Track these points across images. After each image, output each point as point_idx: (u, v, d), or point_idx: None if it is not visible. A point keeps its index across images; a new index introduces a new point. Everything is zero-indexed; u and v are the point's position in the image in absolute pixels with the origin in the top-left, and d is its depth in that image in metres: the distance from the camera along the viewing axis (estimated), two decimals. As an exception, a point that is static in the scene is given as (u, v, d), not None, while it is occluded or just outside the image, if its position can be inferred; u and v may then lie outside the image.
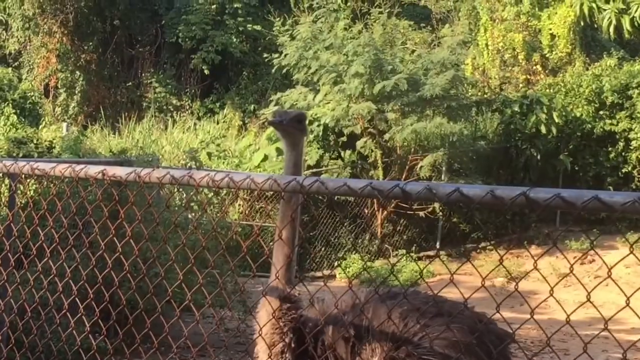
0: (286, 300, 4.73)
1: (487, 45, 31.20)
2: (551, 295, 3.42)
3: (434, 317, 4.78)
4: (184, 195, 16.86)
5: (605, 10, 18.44)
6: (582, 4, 18.34)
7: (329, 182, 3.43)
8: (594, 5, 18.39)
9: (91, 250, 5.41)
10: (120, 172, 4.20)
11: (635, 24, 18.36)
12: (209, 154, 23.65)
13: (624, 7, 18.34)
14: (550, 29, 30.66)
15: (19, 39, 35.85)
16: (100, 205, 4.85)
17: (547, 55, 30.95)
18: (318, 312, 4.85)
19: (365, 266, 20.11)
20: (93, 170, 4.30)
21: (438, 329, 4.68)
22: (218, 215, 18.26)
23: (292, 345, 4.73)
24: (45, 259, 5.36)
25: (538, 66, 31.13)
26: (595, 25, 27.99)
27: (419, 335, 4.69)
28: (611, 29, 18.52)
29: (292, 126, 5.04)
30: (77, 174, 4.32)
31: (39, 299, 5.46)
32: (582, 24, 30.32)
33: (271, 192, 20.97)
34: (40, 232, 5.16)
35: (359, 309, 4.75)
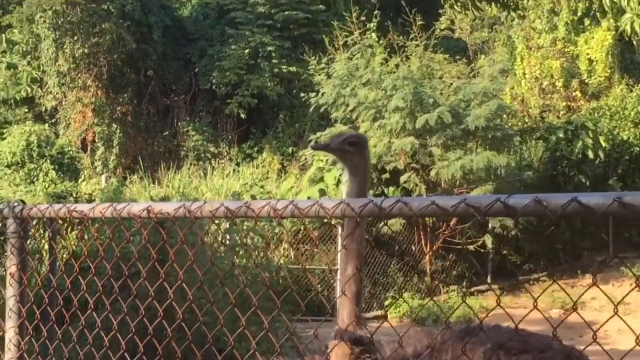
0: (358, 343, 4.26)
1: (524, 74, 30.88)
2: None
3: (520, 353, 4.30)
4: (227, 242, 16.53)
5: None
6: (632, 22, 17.85)
7: (413, 201, 2.98)
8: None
9: (136, 300, 5.04)
10: (168, 207, 3.78)
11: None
12: (253, 197, 23.35)
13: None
14: (588, 54, 30.24)
15: (54, 96, 35.94)
16: (144, 253, 4.48)
17: (586, 81, 30.49)
18: (392, 354, 4.37)
19: (423, 304, 19.63)
20: (137, 208, 3.89)
21: (528, 368, 4.20)
22: (263, 259, 17.91)
23: (368, 392, 4.24)
24: (99, 313, 4.99)
25: (577, 92, 30.71)
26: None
27: (507, 376, 4.20)
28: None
29: (342, 149, 4.62)
30: (119, 213, 3.91)
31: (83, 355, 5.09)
32: (618, 47, 29.86)
33: (317, 234, 20.47)
34: (84, 285, 4.78)
35: (437, 350, 4.28)
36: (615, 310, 2.73)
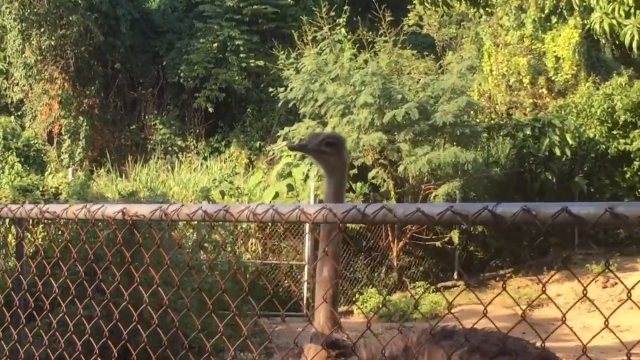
0: (334, 347, 4.20)
1: (491, 70, 30.90)
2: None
3: (496, 356, 4.26)
4: (195, 236, 16.43)
5: (626, 25, 17.89)
6: (601, 21, 17.78)
7: (398, 208, 2.92)
8: (614, 21, 17.82)
9: (102, 298, 4.98)
10: (144, 210, 3.70)
11: (659, 38, 17.87)
12: (222, 192, 23.22)
13: (646, 21, 17.84)
14: (555, 52, 30.33)
15: (21, 88, 35.57)
16: (110, 249, 4.41)
17: (552, 78, 30.58)
18: (367, 357, 4.32)
19: (384, 301, 19.55)
20: (111, 209, 3.81)
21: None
22: (231, 255, 17.82)
23: (345, 398, 4.18)
24: (65, 309, 4.90)
25: (544, 89, 30.77)
26: (616, 42, 27.37)
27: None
28: (634, 45, 17.98)
29: (319, 150, 4.56)
30: (94, 214, 3.83)
31: (50, 353, 5.01)
32: (585, 45, 30.01)
33: (283, 229, 20.39)
34: (53, 282, 4.69)
35: (413, 352, 4.22)
36: (606, 323, 2.69)
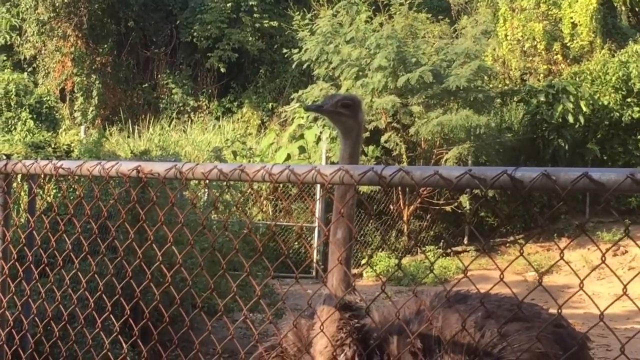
0: (347, 309, 4.18)
1: (506, 35, 30.66)
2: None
3: (510, 322, 4.25)
4: (205, 197, 16.43)
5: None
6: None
7: (415, 171, 2.88)
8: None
9: (114, 256, 4.96)
10: (159, 168, 3.67)
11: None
12: (234, 153, 23.21)
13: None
14: (572, 18, 30.08)
15: (34, 44, 35.46)
16: (121, 208, 4.38)
17: (567, 44, 30.35)
18: (379, 320, 4.30)
19: (399, 265, 19.56)
20: (126, 167, 3.78)
21: (519, 339, 4.15)
22: (240, 215, 17.82)
23: (356, 359, 4.16)
24: (72, 266, 4.90)
25: (559, 55, 30.55)
26: (635, 9, 27.08)
27: (499, 346, 4.14)
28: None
29: (335, 111, 4.50)
30: (108, 172, 3.79)
31: (62, 309, 5.02)
32: (601, 11, 29.74)
33: (296, 191, 20.39)
34: (66, 238, 4.67)
35: (426, 316, 4.21)
36: (624, 290, 2.66)
